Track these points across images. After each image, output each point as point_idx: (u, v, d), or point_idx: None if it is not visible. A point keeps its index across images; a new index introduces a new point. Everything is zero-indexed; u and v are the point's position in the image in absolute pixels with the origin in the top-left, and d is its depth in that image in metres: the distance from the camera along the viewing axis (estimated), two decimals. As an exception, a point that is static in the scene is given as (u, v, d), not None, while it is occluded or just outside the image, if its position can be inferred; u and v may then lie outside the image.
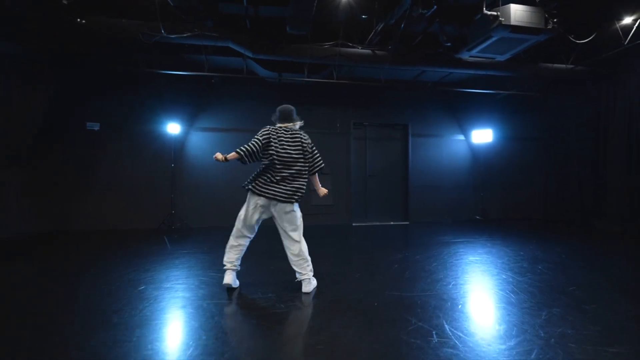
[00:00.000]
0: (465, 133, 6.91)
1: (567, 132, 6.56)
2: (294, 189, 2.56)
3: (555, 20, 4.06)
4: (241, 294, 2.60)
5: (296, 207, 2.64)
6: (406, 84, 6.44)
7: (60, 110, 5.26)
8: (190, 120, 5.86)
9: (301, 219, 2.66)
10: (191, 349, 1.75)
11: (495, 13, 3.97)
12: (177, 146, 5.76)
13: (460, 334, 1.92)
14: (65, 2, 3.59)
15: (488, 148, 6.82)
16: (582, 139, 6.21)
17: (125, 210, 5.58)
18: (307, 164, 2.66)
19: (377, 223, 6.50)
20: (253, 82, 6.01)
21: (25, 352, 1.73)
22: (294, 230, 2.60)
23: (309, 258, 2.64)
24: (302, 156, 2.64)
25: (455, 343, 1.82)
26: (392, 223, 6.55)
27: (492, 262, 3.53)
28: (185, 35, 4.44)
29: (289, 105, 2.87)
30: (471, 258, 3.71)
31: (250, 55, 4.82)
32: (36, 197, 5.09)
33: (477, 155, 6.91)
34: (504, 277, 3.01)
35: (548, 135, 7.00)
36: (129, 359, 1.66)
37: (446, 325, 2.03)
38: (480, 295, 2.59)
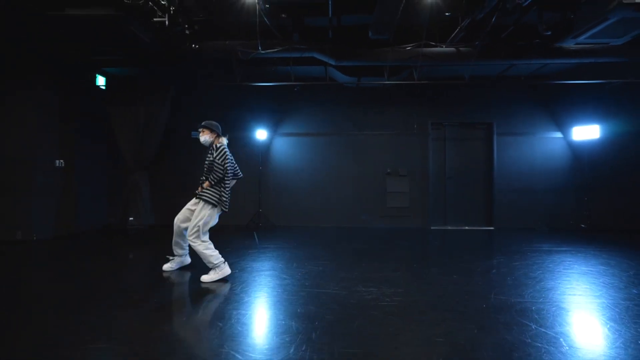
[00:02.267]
0: (564, 130, 6.14)
1: None
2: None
3: (698, -10, 3.40)
4: (343, 286, 2.78)
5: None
6: (491, 81, 6.02)
7: (171, 122, 6.26)
8: (274, 126, 6.40)
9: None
10: (318, 330, 1.96)
11: (612, -8, 3.51)
12: (264, 151, 6.33)
13: (595, 345, 1.76)
14: (187, 32, 4.30)
15: (594, 146, 5.94)
16: None
17: (220, 207, 6.33)
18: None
19: (458, 227, 6.18)
20: (331, 87, 6.29)
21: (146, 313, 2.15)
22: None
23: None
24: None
25: (591, 354, 1.68)
26: (474, 228, 6.15)
27: (614, 274, 3.10)
28: (276, 50, 4.91)
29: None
30: (584, 268, 3.31)
31: (333, 63, 5.08)
32: (157, 195, 6.12)
33: (580, 154, 6.07)
34: (635, 291, 2.63)
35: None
36: (268, 332, 1.94)
37: (574, 334, 1.89)
38: (609, 309, 2.32)
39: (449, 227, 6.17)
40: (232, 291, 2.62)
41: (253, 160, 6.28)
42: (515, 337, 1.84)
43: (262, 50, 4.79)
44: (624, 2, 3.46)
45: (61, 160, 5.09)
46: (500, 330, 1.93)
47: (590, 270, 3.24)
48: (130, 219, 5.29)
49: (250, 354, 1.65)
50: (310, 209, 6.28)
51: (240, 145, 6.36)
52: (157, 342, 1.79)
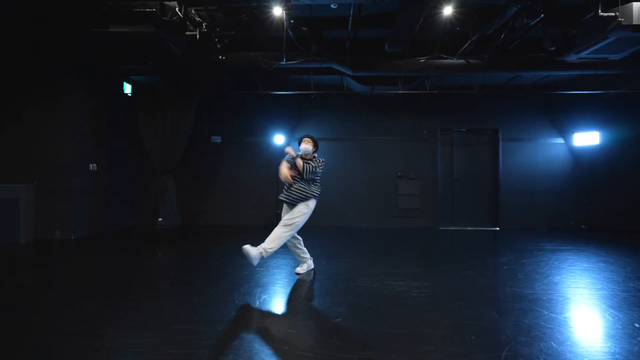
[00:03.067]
0: (565, 136, 6.51)
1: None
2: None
3: (689, 14, 3.75)
4: (375, 280, 3.11)
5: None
6: (498, 89, 6.37)
7: (195, 128, 6.59)
8: (291, 132, 6.73)
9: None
10: (341, 316, 2.29)
11: (612, 14, 3.86)
12: (282, 155, 6.64)
13: (602, 327, 2.10)
14: (218, 45, 4.63)
15: (593, 151, 6.31)
16: None
17: (239, 209, 6.66)
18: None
19: (465, 228, 6.52)
20: (345, 95, 6.63)
21: (158, 317, 2.48)
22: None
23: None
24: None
25: (599, 333, 2.02)
26: (480, 228, 6.50)
27: (613, 270, 3.45)
28: (297, 61, 5.24)
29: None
30: (586, 265, 3.66)
31: (350, 73, 5.42)
32: (182, 197, 6.44)
33: (580, 159, 6.43)
34: (632, 285, 2.97)
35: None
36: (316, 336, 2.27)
37: (582, 318, 2.23)
38: (609, 299, 2.65)
39: (457, 228, 6.52)
40: (272, 284, 2.94)
41: (271, 164, 6.60)
42: (532, 321, 2.18)
43: (285, 61, 5.12)
44: (623, 23, 3.82)
45: (94, 164, 5.41)
46: (518, 315, 2.27)
47: (592, 267, 3.59)
48: (160, 219, 5.61)
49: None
50: (325, 211, 6.59)
51: (259, 150, 6.69)
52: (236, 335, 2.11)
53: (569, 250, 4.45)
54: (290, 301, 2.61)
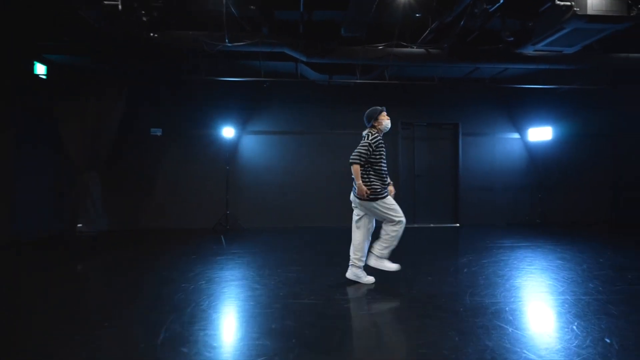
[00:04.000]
0: (521, 131, 6.55)
1: (637, 127, 6.00)
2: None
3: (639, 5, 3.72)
4: (320, 294, 2.65)
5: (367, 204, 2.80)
6: (457, 82, 6.23)
7: (128, 118, 5.71)
8: (243, 124, 6.09)
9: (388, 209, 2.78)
10: (297, 348, 1.82)
11: (568, 3, 3.73)
12: (232, 149, 6.01)
13: (568, 346, 1.82)
14: (144, 18, 3.88)
15: (547, 146, 6.40)
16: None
17: (184, 210, 5.92)
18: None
19: (426, 225, 6.35)
20: (302, 85, 6.12)
21: (78, 342, 1.90)
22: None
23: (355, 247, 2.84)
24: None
25: (565, 356, 1.73)
26: (441, 225, 6.36)
27: (571, 268, 3.32)
28: (245, 43, 4.63)
29: (370, 108, 3.02)
30: (544, 264, 3.51)
31: (304, 59, 4.91)
32: (111, 198, 5.55)
33: (535, 154, 6.51)
34: (592, 285, 2.81)
35: (616, 132, 6.45)
36: (247, 353, 1.76)
37: (547, 335, 1.94)
38: (573, 305, 2.43)
39: (419, 225, 6.32)
40: (198, 307, 2.38)
41: (220, 159, 5.94)
42: (495, 343, 1.85)
43: (229, 42, 4.49)
44: (578, 13, 3.71)
45: (-10, 160, 4.40)
46: (481, 335, 1.93)
47: (550, 266, 3.45)
48: (79, 225, 4.73)
49: (223, 386, 1.47)
50: (282, 210, 6.09)
51: (206, 143, 5.98)
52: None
53: (526, 247, 4.35)
54: (205, 335, 2.06)
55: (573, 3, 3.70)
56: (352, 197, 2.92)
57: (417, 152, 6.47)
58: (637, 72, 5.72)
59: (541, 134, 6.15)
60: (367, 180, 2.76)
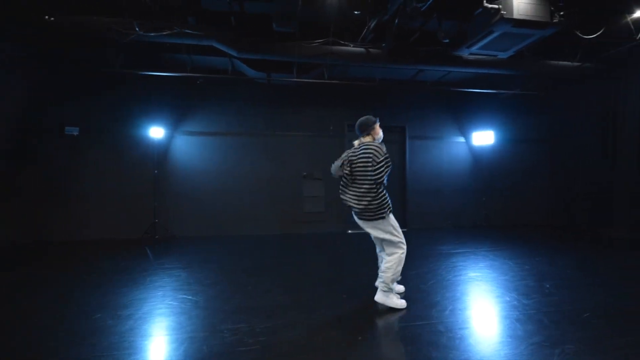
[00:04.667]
0: (466, 135, 6.59)
1: (574, 133, 6.24)
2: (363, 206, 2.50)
3: (562, 13, 3.74)
4: (209, 324, 2.29)
5: (378, 222, 2.53)
6: (403, 84, 6.12)
7: (37, 113, 5.00)
8: (175, 123, 5.57)
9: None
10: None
11: (496, 6, 3.66)
12: (161, 151, 5.46)
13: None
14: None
15: (490, 150, 6.49)
16: (590, 142, 5.89)
17: (106, 219, 5.29)
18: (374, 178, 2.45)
19: (373, 230, 6.17)
20: (241, 83, 5.72)
21: None
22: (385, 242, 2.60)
23: (386, 269, 2.54)
24: (369, 171, 2.45)
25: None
26: (389, 230, 6.21)
27: (494, 278, 3.21)
28: (164, 33, 4.15)
29: (364, 117, 2.71)
30: (471, 274, 3.39)
31: (235, 54, 4.52)
32: (10, 205, 4.80)
33: (479, 158, 6.58)
34: (508, 299, 2.69)
35: (553, 137, 6.68)
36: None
37: (441, 369, 1.72)
38: (484, 326, 2.27)
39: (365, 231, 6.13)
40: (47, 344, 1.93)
41: (146, 162, 5.38)
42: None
43: (142, 32, 3.99)
44: (505, 17, 3.65)
45: None
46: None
47: (477, 276, 3.33)
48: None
49: None
50: (219, 217, 5.64)
51: (130, 145, 5.39)
52: None
53: (461, 253, 4.25)
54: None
55: (501, 6, 3.64)
56: (358, 219, 2.63)
57: (364, 155, 6.27)
58: (570, 80, 5.93)
59: (484, 138, 6.20)
60: (383, 193, 2.51)
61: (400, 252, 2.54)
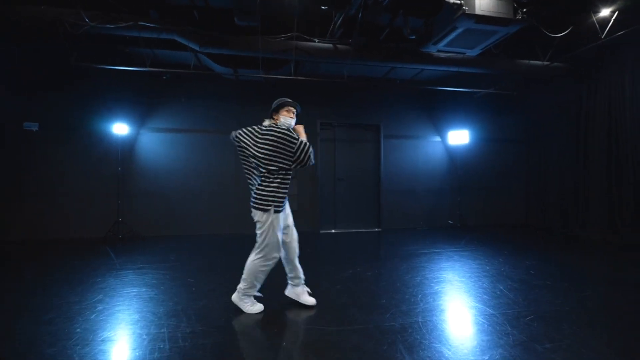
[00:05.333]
0: (441, 134, 6.53)
1: (546, 133, 6.22)
2: (255, 196, 2.32)
3: (525, 10, 3.69)
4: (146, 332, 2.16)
5: (261, 216, 2.30)
6: (375, 82, 6.04)
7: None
8: (140, 120, 5.41)
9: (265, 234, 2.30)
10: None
11: (458, 2, 3.59)
12: (125, 148, 5.30)
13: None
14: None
15: (465, 150, 6.45)
16: (562, 141, 5.88)
17: (67, 218, 5.11)
18: (281, 164, 2.28)
19: (347, 230, 6.09)
20: (210, 79, 5.59)
21: None
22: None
23: (249, 277, 2.36)
24: (272, 155, 2.28)
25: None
26: (363, 230, 6.14)
27: (449, 280, 3.13)
28: (121, 25, 4.00)
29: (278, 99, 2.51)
30: (429, 275, 3.31)
31: (197, 48, 4.38)
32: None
33: (454, 157, 6.53)
34: (459, 303, 2.61)
35: (528, 137, 6.67)
36: None
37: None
38: (420, 329, 2.18)
39: (339, 230, 6.05)
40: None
41: (110, 159, 5.21)
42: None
43: (94, 23, 3.83)
44: (467, 12, 3.58)
45: None
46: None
47: (433, 277, 3.24)
48: None
49: None
50: (187, 216, 5.49)
51: (91, 142, 5.22)
52: None
53: (427, 254, 4.17)
54: None
55: (463, 2, 3.58)
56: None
57: (338, 154, 6.19)
58: (541, 79, 5.91)
59: (459, 137, 6.15)
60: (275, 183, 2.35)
61: (261, 262, 2.33)
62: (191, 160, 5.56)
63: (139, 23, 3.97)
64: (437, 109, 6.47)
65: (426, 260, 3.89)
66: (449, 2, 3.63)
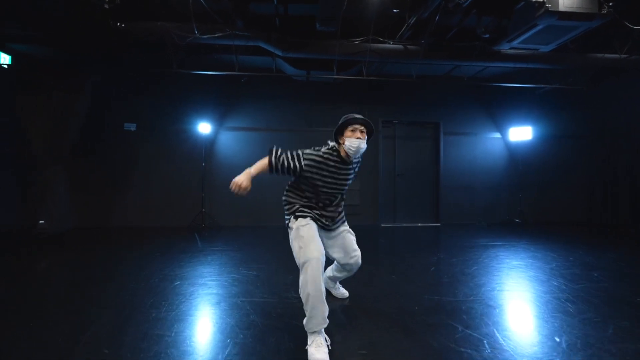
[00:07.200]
0: (502, 131, 6.53)
1: (616, 129, 6.02)
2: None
3: (611, 4, 3.71)
4: (275, 292, 2.56)
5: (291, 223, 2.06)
6: (438, 80, 6.18)
7: (99, 112, 5.54)
8: (220, 119, 5.97)
9: (295, 243, 1.90)
10: (229, 347, 1.72)
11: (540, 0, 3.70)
12: (208, 145, 5.87)
13: (515, 345, 1.75)
14: (106, 6, 3.74)
15: (527, 146, 6.40)
16: (633, 137, 5.68)
17: (158, 207, 5.77)
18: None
19: (407, 224, 6.29)
20: (281, 80, 6.02)
21: (58, 347, 1.78)
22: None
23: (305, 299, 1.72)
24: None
25: (511, 355, 1.65)
26: (422, 225, 6.31)
27: (539, 267, 3.27)
28: (217, 35, 4.52)
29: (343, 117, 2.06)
30: (514, 262, 3.46)
31: (279, 53, 4.81)
32: (78, 194, 5.38)
33: (515, 154, 6.50)
34: (556, 284, 2.76)
35: (594, 133, 6.48)
36: (167, 354, 1.65)
37: (497, 335, 1.87)
38: (532, 303, 2.38)
39: (399, 225, 6.26)
40: (139, 308, 2.26)
41: (196, 155, 5.80)
42: (441, 343, 1.77)
43: (199, 34, 4.37)
44: (550, 10, 3.67)
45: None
46: (427, 335, 1.85)
47: (520, 264, 3.39)
48: (41, 222, 4.55)
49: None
50: (259, 208, 5.97)
51: (182, 140, 5.84)
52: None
53: (500, 245, 4.30)
54: (136, 335, 1.94)
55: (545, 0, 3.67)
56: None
57: (398, 151, 6.41)
58: (614, 73, 5.75)
59: (521, 133, 6.13)
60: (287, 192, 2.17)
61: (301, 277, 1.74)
62: (263, 156, 6.02)
63: (235, 32, 4.45)
64: (498, 106, 6.48)
65: (503, 250, 4.01)
66: (530, 1, 3.75)
